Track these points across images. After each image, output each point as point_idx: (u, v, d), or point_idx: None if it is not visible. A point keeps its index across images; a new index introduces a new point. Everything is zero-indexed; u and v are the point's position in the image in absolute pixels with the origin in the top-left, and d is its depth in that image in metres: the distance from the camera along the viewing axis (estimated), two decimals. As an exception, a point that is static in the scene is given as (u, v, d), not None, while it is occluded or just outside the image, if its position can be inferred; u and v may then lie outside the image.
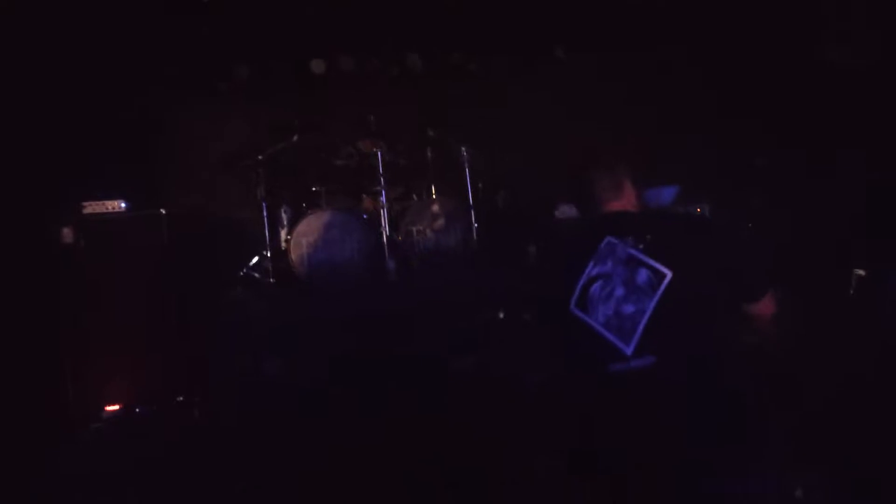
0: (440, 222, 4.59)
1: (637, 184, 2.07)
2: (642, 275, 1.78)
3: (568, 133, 5.49)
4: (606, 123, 5.39)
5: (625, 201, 2.01)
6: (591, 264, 1.84)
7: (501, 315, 4.17)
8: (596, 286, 1.81)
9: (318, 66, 5.52)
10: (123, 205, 3.87)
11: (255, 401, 3.70)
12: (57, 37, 4.28)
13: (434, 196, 4.79)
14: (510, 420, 2.65)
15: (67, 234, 3.70)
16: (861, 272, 3.36)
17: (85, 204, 3.79)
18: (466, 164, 4.80)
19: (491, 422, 2.76)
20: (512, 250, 4.65)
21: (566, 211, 4.57)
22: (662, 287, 1.74)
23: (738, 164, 4.73)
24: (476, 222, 4.76)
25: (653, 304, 1.73)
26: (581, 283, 1.83)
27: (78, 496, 2.86)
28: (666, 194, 4.38)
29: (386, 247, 4.46)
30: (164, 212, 3.91)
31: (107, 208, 3.82)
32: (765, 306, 1.90)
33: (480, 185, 4.89)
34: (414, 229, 4.57)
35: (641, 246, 1.82)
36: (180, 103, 5.50)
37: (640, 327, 1.72)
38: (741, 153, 4.76)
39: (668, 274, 1.75)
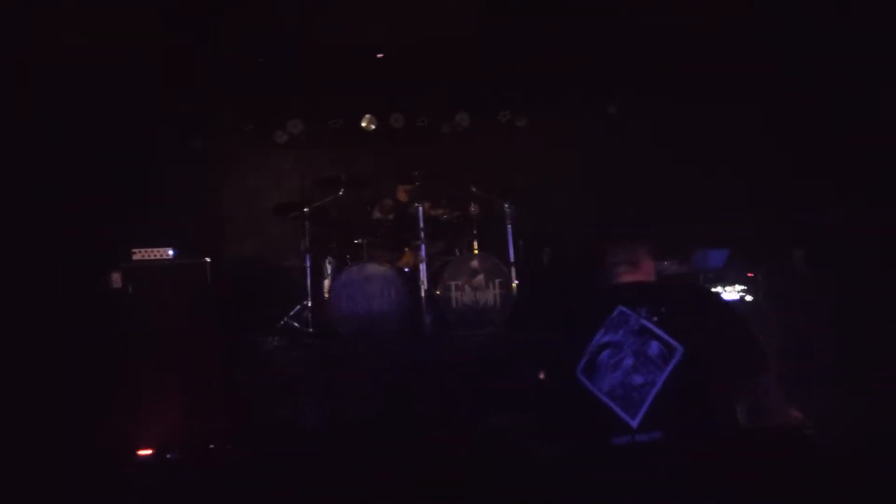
0: (479, 278, 4.56)
1: (655, 254, 2.05)
2: (654, 347, 1.74)
3: (616, 192, 5.46)
4: (654, 184, 5.32)
5: (641, 273, 1.98)
6: (602, 332, 1.80)
7: (542, 376, 4.08)
8: (605, 354, 1.77)
9: (369, 122, 5.68)
10: (171, 252, 4.01)
11: (288, 450, 3.69)
12: (120, 79, 4.56)
13: (475, 252, 4.78)
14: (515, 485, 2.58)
15: (117, 279, 3.86)
16: None
17: (134, 251, 3.95)
18: (509, 221, 4.79)
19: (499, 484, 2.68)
20: (554, 309, 4.57)
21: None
22: (674, 361, 1.70)
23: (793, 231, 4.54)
24: (517, 279, 4.71)
25: (663, 377, 1.68)
26: (589, 349, 1.79)
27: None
28: (714, 258, 4.23)
29: (423, 301, 4.45)
30: (208, 260, 4.03)
31: (155, 255, 3.97)
32: (773, 383, 1.83)
33: (521, 242, 4.85)
34: (452, 284, 4.56)
35: (655, 318, 1.78)
36: (238, 153, 5.77)
37: (649, 400, 1.67)
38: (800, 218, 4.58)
39: (680, 348, 1.71)
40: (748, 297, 4.10)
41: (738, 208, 4.90)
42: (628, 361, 1.73)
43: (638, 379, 1.69)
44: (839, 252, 3.98)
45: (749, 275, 4.26)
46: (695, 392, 1.68)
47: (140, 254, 3.96)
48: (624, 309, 1.83)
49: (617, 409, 1.68)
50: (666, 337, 1.73)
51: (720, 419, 1.70)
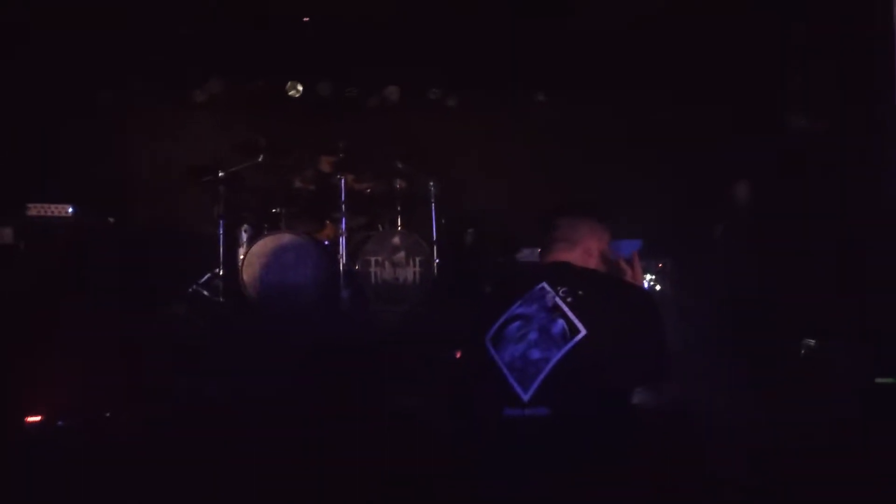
0: (400, 255, 4.53)
1: (607, 247, 2.03)
2: (558, 325, 1.75)
3: (541, 177, 5.53)
4: (580, 170, 5.42)
5: (576, 255, 1.97)
6: (518, 303, 1.82)
7: (458, 355, 4.10)
8: (514, 325, 1.78)
9: (292, 87, 5.49)
10: (70, 209, 3.75)
11: (185, 420, 3.56)
12: (27, 28, 4.22)
13: (398, 228, 4.73)
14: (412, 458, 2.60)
15: (7, 234, 3.58)
16: (811, 342, 3.33)
17: (30, 206, 3.67)
18: (433, 199, 4.76)
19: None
20: (472, 289, 4.59)
21: (528, 255, 4.52)
22: (573, 342, 1.71)
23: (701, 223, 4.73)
24: (438, 258, 4.69)
25: (559, 355, 1.70)
26: (502, 319, 1.80)
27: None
28: (626, 247, 4.35)
29: (342, 275, 4.37)
30: (112, 220, 3.80)
31: (52, 212, 3.71)
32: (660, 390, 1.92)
33: (443, 220, 4.84)
34: (373, 259, 4.50)
35: (570, 299, 1.79)
36: (150, 110, 5.45)
37: (541, 376, 1.68)
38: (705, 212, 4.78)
39: (583, 331, 1.73)
40: (657, 287, 4.26)
41: (651, 197, 5.06)
42: (533, 336, 1.74)
43: (536, 353, 1.71)
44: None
45: (659, 265, 4.42)
46: (587, 376, 1.70)
47: (35, 209, 3.69)
48: (545, 285, 1.83)
49: (512, 381, 1.70)
50: (573, 318, 1.74)
51: (609, 405, 1.71)
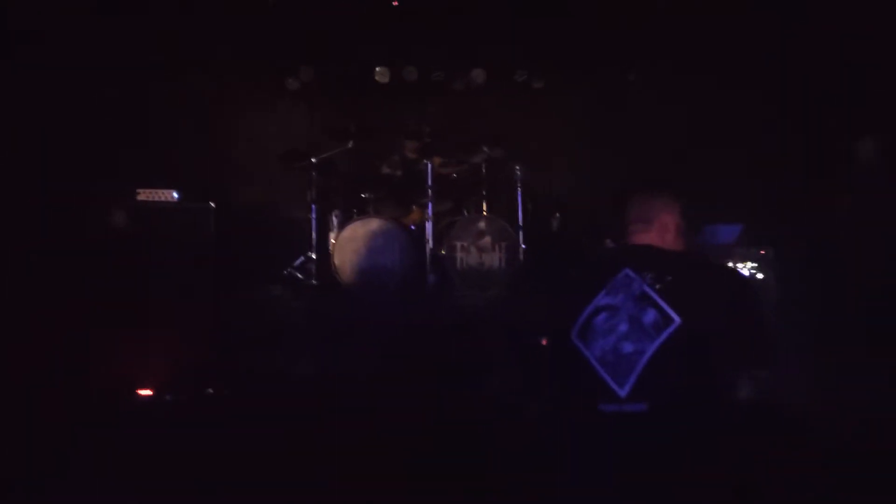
0: (485, 240, 4.51)
1: (682, 221, 1.94)
2: (650, 315, 1.66)
3: (631, 160, 5.35)
4: (671, 153, 5.21)
5: (654, 235, 1.87)
6: (603, 293, 1.73)
7: (543, 342, 4.06)
8: (601, 317, 1.70)
9: (382, 74, 5.55)
10: (175, 195, 3.96)
11: (279, 398, 3.72)
12: (132, 19, 4.45)
13: (483, 213, 4.71)
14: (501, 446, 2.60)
15: (121, 217, 3.82)
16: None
17: (139, 191, 3.90)
18: (519, 184, 4.71)
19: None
20: (558, 275, 4.52)
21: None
22: (667, 332, 1.62)
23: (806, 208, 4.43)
24: (524, 244, 4.65)
25: (654, 347, 1.61)
26: (587, 311, 1.72)
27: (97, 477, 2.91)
28: (725, 233, 4.15)
29: (428, 260, 4.41)
30: (212, 205, 3.98)
31: (159, 197, 3.93)
32: (769, 378, 1.76)
33: (530, 205, 4.78)
34: (458, 245, 4.51)
35: (658, 286, 1.69)
36: (249, 99, 5.66)
37: (637, 369, 1.61)
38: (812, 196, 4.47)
39: (677, 320, 1.63)
40: (759, 276, 4.04)
41: (756, 182, 4.79)
42: (623, 327, 1.67)
43: (628, 347, 1.64)
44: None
45: (761, 252, 4.18)
46: (686, 368, 1.62)
47: (144, 194, 3.92)
48: (629, 272, 1.74)
49: (606, 376, 1.64)
50: (665, 306, 1.66)
51: (710, 397, 1.63)
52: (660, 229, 1.88)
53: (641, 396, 1.60)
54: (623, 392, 1.61)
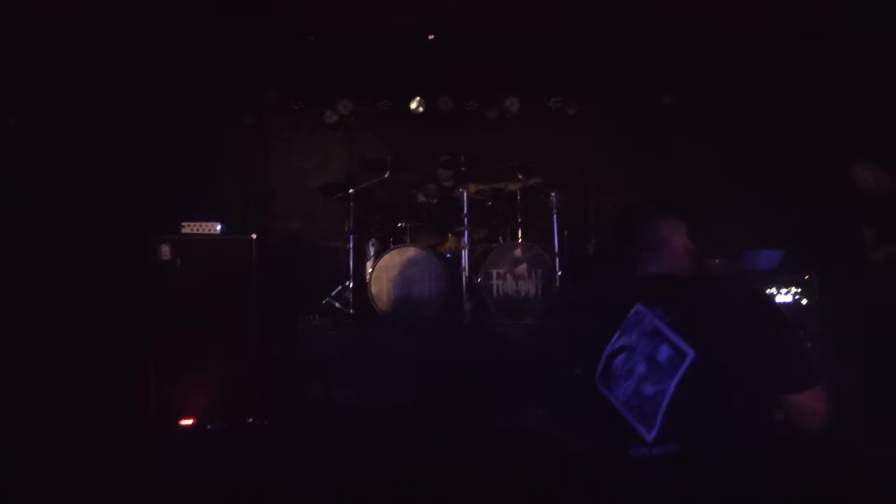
0: (522, 267, 4.50)
1: (692, 242, 1.80)
2: (664, 352, 1.57)
3: (666, 184, 5.30)
4: (709, 177, 5.15)
5: (664, 262, 1.76)
6: (618, 334, 1.65)
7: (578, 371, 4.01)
8: (620, 359, 1.62)
9: (418, 104, 5.65)
10: (219, 227, 4.07)
11: (321, 428, 3.75)
12: (175, 55, 4.64)
13: (519, 241, 4.71)
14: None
15: (165, 251, 3.94)
16: None
17: (184, 224, 4.02)
18: (554, 210, 4.70)
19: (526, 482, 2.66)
20: (590, 303, 4.47)
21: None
22: (683, 367, 1.53)
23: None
24: (560, 270, 4.62)
25: (673, 385, 1.53)
26: (606, 353, 1.65)
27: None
28: (766, 258, 4.05)
29: (464, 288, 4.42)
30: (254, 236, 4.08)
31: (203, 230, 4.04)
32: (813, 401, 1.59)
33: (567, 232, 4.76)
34: (494, 272, 4.50)
35: (669, 319, 1.60)
36: (288, 132, 5.82)
37: (661, 411, 1.53)
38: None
39: (691, 354, 1.54)
40: (803, 301, 3.93)
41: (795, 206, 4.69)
42: (640, 369, 1.59)
43: (650, 389, 1.56)
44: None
45: (805, 277, 4.06)
46: (710, 402, 1.53)
47: (189, 227, 4.03)
48: (640, 307, 1.65)
49: (632, 421, 1.57)
50: (677, 340, 1.57)
51: (743, 430, 1.53)
52: (669, 255, 1.77)
53: (670, 438, 1.52)
54: (650, 436, 1.54)
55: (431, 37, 5.12)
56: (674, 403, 1.53)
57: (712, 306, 1.64)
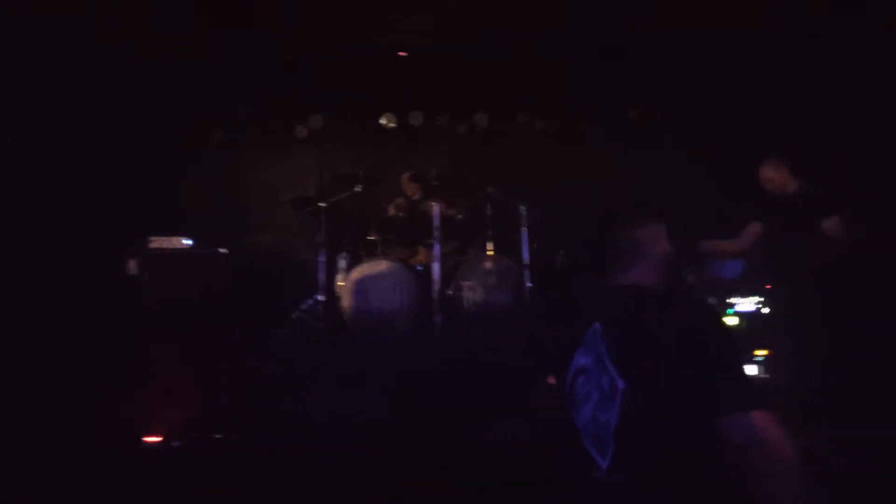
0: (492, 279, 4.54)
1: (670, 246, 1.73)
2: (605, 381, 1.54)
3: (633, 195, 5.41)
4: (673, 188, 5.26)
5: (638, 273, 1.68)
6: (580, 352, 1.60)
7: (551, 381, 4.04)
8: (579, 382, 1.59)
9: (388, 119, 5.70)
10: (186, 241, 4.05)
11: (292, 443, 3.72)
12: (148, 72, 4.62)
13: (489, 253, 4.75)
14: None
15: (133, 265, 3.91)
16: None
17: (151, 239, 3.99)
18: (524, 223, 4.76)
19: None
20: (565, 312, 4.53)
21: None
22: (618, 399, 1.50)
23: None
24: (530, 282, 4.67)
25: (615, 416, 1.49)
26: (570, 373, 1.61)
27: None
28: (729, 267, 4.15)
29: (435, 301, 4.44)
30: (224, 251, 4.06)
31: (171, 244, 4.01)
32: (752, 428, 1.40)
33: (536, 244, 4.82)
34: (465, 284, 4.54)
35: (610, 345, 1.55)
36: (259, 147, 5.82)
37: (612, 440, 1.50)
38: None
39: (621, 385, 1.50)
40: (764, 310, 4.02)
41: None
42: (594, 395, 1.55)
43: (602, 416, 1.53)
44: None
45: (767, 286, 4.17)
46: (651, 433, 1.47)
47: (157, 242, 4.00)
48: (598, 326, 1.59)
49: (590, 447, 1.55)
50: (612, 370, 1.53)
51: (691, 458, 1.46)
52: (643, 265, 1.70)
53: (620, 468, 1.49)
54: (605, 464, 1.51)
55: (403, 54, 5.18)
56: (618, 434, 1.49)
57: (655, 330, 1.55)
